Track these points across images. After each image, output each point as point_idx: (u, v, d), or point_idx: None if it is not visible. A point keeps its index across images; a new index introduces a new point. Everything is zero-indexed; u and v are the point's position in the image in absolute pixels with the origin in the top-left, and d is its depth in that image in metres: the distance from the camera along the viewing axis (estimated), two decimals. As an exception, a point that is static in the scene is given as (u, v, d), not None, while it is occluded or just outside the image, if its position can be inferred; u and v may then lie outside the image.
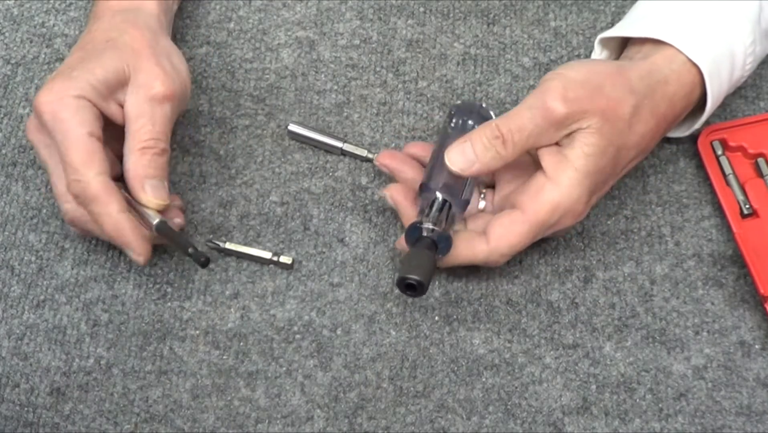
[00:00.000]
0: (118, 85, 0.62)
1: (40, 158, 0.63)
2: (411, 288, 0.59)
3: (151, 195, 0.61)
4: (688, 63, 0.62)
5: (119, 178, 0.63)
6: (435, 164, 0.64)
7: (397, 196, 0.65)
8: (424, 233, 0.61)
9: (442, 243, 0.61)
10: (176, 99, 0.62)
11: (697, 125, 0.66)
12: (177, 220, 0.64)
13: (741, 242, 0.65)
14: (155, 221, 0.61)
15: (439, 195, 0.62)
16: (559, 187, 0.59)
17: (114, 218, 0.59)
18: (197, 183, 0.70)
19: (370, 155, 0.70)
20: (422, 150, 0.67)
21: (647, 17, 0.65)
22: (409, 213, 0.64)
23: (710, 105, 0.64)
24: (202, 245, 0.67)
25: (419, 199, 0.64)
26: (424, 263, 0.59)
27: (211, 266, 0.67)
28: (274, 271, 0.67)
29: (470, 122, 0.67)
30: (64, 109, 0.59)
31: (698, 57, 0.62)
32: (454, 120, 0.68)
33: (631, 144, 0.61)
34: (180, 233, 0.64)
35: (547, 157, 0.60)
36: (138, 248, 0.60)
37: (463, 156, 0.60)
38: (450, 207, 0.62)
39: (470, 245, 0.62)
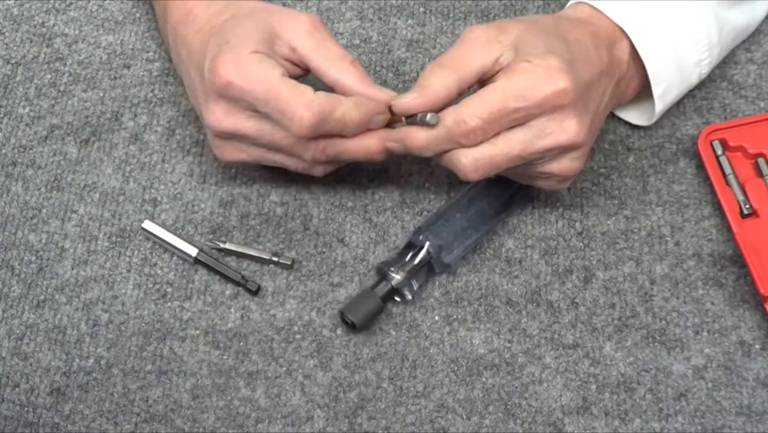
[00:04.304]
0: (271, 41, 0.61)
1: (262, 138, 0.61)
2: (346, 323, 0.64)
3: (385, 91, 0.61)
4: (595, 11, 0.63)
5: None
6: (440, 219, 0.65)
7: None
8: (388, 278, 0.63)
9: (398, 295, 0.65)
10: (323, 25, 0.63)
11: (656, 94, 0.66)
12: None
13: (741, 242, 0.65)
14: (196, 249, 0.66)
15: (425, 248, 0.64)
16: (536, 68, 0.57)
17: (356, 103, 0.59)
18: (197, 183, 0.70)
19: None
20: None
21: None
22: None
23: (645, 55, 0.63)
24: (203, 245, 0.67)
25: (410, 239, 0.65)
26: (368, 308, 0.63)
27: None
28: (274, 271, 0.67)
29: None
30: (248, 66, 0.58)
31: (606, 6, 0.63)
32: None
33: (582, 57, 0.60)
34: (223, 265, 0.67)
35: (521, 64, 0.58)
36: (385, 95, 0.60)
37: (404, 96, 0.59)
38: (429, 264, 0.64)
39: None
